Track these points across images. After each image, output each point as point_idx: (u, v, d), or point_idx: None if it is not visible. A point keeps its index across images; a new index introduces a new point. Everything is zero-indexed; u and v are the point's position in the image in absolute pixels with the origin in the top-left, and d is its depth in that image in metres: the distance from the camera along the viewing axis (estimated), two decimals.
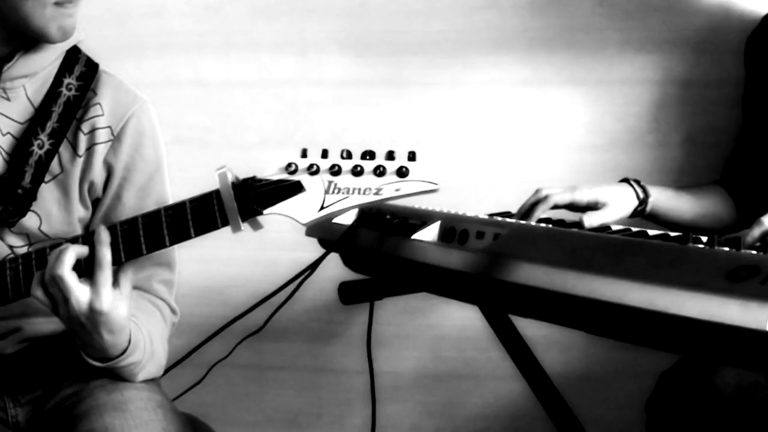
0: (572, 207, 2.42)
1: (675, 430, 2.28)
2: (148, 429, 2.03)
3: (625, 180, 2.53)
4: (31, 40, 2.15)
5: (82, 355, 2.07)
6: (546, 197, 2.40)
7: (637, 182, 2.52)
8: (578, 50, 2.88)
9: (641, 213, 2.52)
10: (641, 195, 2.51)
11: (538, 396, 2.63)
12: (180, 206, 1.96)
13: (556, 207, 2.41)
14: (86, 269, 1.96)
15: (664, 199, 2.54)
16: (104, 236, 1.95)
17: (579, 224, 2.32)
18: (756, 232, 1.96)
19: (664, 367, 2.38)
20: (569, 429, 2.61)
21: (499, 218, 2.25)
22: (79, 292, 1.93)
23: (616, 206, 2.44)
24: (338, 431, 3.15)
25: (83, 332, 1.99)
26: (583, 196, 2.42)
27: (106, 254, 1.94)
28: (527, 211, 2.38)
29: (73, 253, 1.93)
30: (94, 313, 1.94)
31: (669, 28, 2.83)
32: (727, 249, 1.74)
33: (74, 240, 2.00)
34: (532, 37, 2.90)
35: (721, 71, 2.80)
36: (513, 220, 2.21)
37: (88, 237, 1.99)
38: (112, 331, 1.99)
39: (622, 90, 2.88)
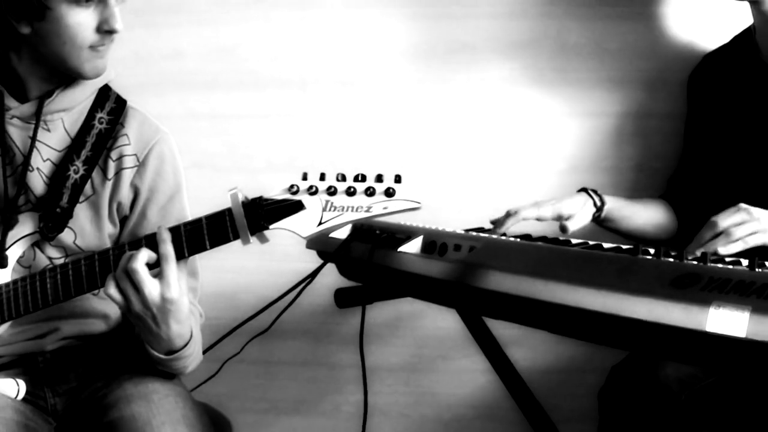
0: (539, 219, 2.43)
1: (624, 416, 2.28)
2: (170, 416, 2.03)
3: (583, 190, 2.53)
4: (69, 79, 2.16)
5: (149, 351, 2.06)
6: (516, 212, 2.41)
7: (594, 191, 2.53)
8: (545, 87, 2.88)
9: (597, 218, 2.52)
10: (598, 203, 2.51)
11: (507, 387, 2.62)
12: (197, 222, 1.97)
13: (524, 219, 2.42)
14: (151, 268, 1.96)
15: (617, 206, 2.55)
16: (166, 235, 1.96)
17: (543, 238, 2.32)
18: (707, 234, 1.96)
19: (615, 361, 2.38)
20: (534, 416, 2.60)
21: (474, 233, 2.25)
22: (151, 284, 1.93)
23: (580, 215, 2.45)
24: (335, 417, 3.14)
25: (153, 324, 1.98)
26: (547, 211, 2.43)
27: (170, 250, 1.95)
28: (499, 225, 2.39)
29: (145, 253, 1.94)
30: (165, 302, 1.94)
31: (623, 69, 2.84)
32: (671, 259, 1.74)
33: (133, 245, 2.00)
34: (506, 76, 2.90)
35: (667, 106, 2.80)
36: (486, 235, 2.21)
37: (150, 238, 1.99)
38: (179, 321, 2.00)
39: (582, 122, 2.88)
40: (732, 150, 2.52)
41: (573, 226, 2.38)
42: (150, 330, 2.00)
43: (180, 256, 1.97)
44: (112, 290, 1.95)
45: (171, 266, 1.94)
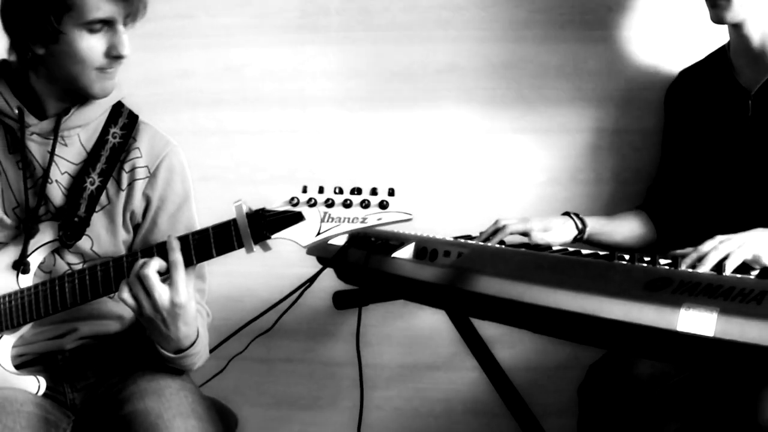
0: (525, 234, 2.43)
1: (601, 411, 2.28)
2: (180, 410, 2.03)
3: (566, 213, 2.54)
4: (83, 97, 2.16)
5: (158, 349, 2.07)
6: (504, 227, 2.41)
7: (576, 215, 2.53)
8: (526, 105, 2.88)
9: (580, 239, 2.53)
10: (580, 225, 2.52)
11: (493, 383, 2.62)
12: (204, 232, 1.99)
13: (511, 234, 2.42)
14: (162, 275, 1.98)
15: (598, 226, 2.55)
16: (175, 243, 1.98)
17: (525, 245, 2.33)
18: (694, 257, 1.94)
19: (593, 359, 2.38)
20: (518, 410, 2.60)
21: (462, 240, 2.25)
22: (161, 289, 1.95)
23: (558, 233, 2.45)
24: (333, 412, 3.13)
25: (163, 326, 2.00)
26: (536, 227, 2.43)
27: (178, 257, 1.97)
28: (488, 237, 2.39)
29: (157, 261, 1.96)
30: (174, 306, 1.96)
31: (598, 88, 2.84)
32: (644, 264, 1.75)
33: (145, 252, 2.02)
34: (489, 95, 2.90)
35: (639, 122, 2.81)
36: (473, 242, 2.21)
37: (161, 246, 2.00)
38: (187, 323, 2.01)
39: (562, 137, 2.88)
40: (706, 162, 2.52)
41: (542, 237, 2.39)
42: (160, 331, 2.01)
43: (188, 263, 1.99)
44: (126, 294, 1.97)
45: (180, 273, 1.96)
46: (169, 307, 1.96)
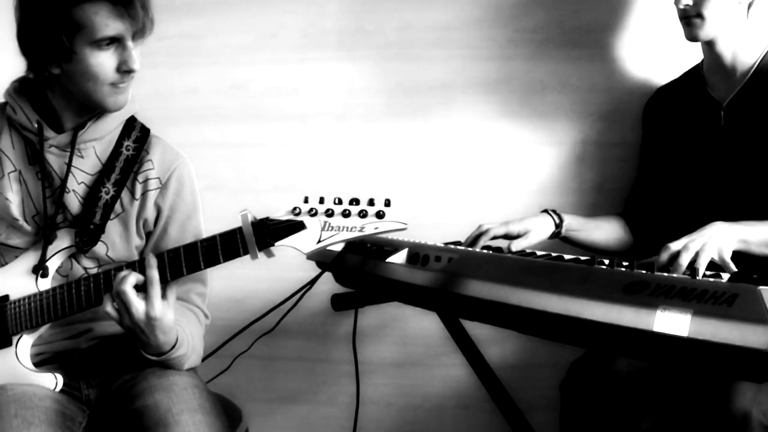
0: (507, 236, 2.43)
1: (582, 405, 2.29)
2: (188, 404, 2.03)
3: (545, 211, 2.54)
4: (99, 111, 2.17)
5: (142, 353, 2.10)
6: (486, 231, 2.41)
7: (554, 211, 2.54)
8: (516, 119, 2.89)
9: (558, 235, 2.53)
10: (557, 221, 2.52)
11: (481, 380, 2.62)
12: (212, 239, 2.00)
13: (494, 238, 2.42)
14: (142, 288, 2.00)
15: (575, 224, 2.56)
16: (152, 261, 2.00)
17: (507, 250, 2.33)
18: (664, 256, 1.96)
19: (575, 357, 2.39)
20: (505, 405, 2.60)
21: (452, 246, 2.25)
22: (137, 303, 1.97)
23: (536, 232, 2.45)
24: (331, 406, 3.13)
25: (142, 335, 2.02)
26: (514, 228, 2.43)
27: (154, 275, 1.99)
28: (472, 241, 2.39)
29: (134, 277, 1.98)
30: (149, 319, 1.98)
31: (584, 102, 2.84)
32: (623, 269, 1.75)
33: (131, 266, 2.03)
34: (482, 110, 2.91)
35: (623, 135, 2.81)
36: (463, 248, 2.21)
37: (141, 263, 2.02)
38: (164, 332, 2.04)
39: (549, 149, 2.88)
40: (681, 173, 2.52)
41: (522, 244, 2.40)
42: (140, 338, 2.04)
43: (196, 269, 2.01)
44: (108, 307, 2.01)
45: (155, 289, 1.99)
46: (145, 319, 1.98)
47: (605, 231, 2.65)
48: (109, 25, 2.02)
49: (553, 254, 2.22)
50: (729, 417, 1.92)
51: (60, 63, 2.06)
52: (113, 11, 2.02)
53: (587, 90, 2.85)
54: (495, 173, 2.93)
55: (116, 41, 2.05)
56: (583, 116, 2.86)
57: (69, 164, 2.17)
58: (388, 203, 1.91)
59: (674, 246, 1.96)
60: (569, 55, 2.84)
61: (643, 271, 1.71)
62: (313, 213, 1.91)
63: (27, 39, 2.09)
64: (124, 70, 2.06)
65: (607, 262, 1.86)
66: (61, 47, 2.02)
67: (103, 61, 2.04)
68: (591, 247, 2.60)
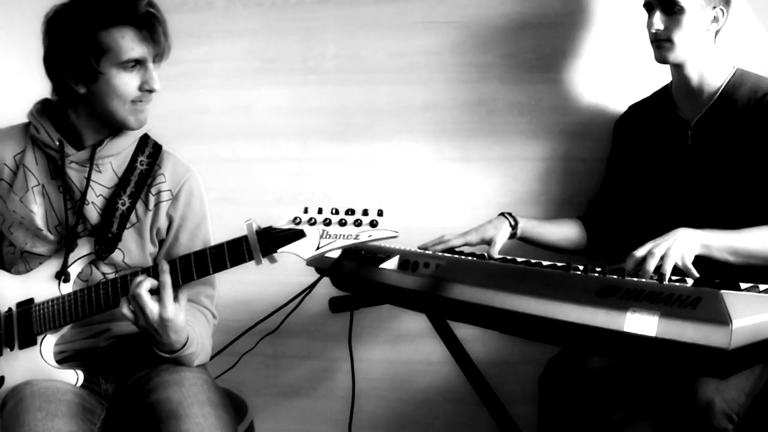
0: (468, 245, 2.44)
1: (559, 399, 2.28)
2: (198, 398, 2.03)
3: (502, 214, 2.54)
4: (116, 130, 2.18)
5: (155, 351, 2.10)
6: (446, 240, 2.43)
7: (510, 214, 2.53)
8: (495, 137, 2.88)
9: (514, 236, 2.53)
10: (512, 223, 2.51)
11: (466, 375, 2.61)
12: (220, 247, 2.01)
13: (454, 248, 2.43)
14: (156, 292, 2.01)
15: (529, 227, 2.54)
16: (165, 267, 2.01)
17: (488, 257, 2.33)
18: (630, 263, 1.95)
19: (552, 355, 2.38)
20: (488, 398, 2.59)
21: (440, 253, 2.25)
22: (152, 306, 1.99)
23: (499, 237, 2.45)
24: (329, 399, 3.12)
25: (156, 335, 2.03)
26: (472, 238, 2.44)
27: (167, 279, 2.00)
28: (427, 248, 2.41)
29: (148, 281, 1.99)
30: (162, 320, 1.99)
31: (554, 122, 2.84)
32: (596, 274, 1.75)
33: (146, 271, 2.04)
34: (464, 128, 2.90)
35: (590, 152, 2.80)
36: (450, 255, 2.21)
37: (155, 268, 2.03)
38: (176, 332, 2.04)
39: (523, 164, 2.88)
40: (647, 185, 2.52)
41: (495, 250, 2.40)
42: (153, 337, 2.05)
43: (205, 273, 2.02)
44: (125, 309, 2.03)
45: (167, 292, 2.00)
46: (158, 320, 1.99)
47: (560, 231, 2.63)
48: (134, 48, 2.05)
49: (532, 261, 2.21)
50: (694, 406, 1.91)
51: (86, 83, 2.08)
52: (138, 36, 2.06)
53: (559, 110, 2.84)
54: (475, 186, 2.92)
55: (139, 63, 2.08)
56: (554, 134, 2.85)
57: (88, 178, 2.17)
58: (381, 213, 1.92)
59: (639, 252, 1.96)
60: (543, 78, 2.84)
61: (615, 276, 1.72)
62: (312, 222, 1.92)
63: (55, 61, 2.10)
64: (146, 89, 2.10)
65: (581, 268, 1.86)
66: (89, 68, 2.05)
67: (128, 81, 2.07)
68: (546, 246, 2.59)
